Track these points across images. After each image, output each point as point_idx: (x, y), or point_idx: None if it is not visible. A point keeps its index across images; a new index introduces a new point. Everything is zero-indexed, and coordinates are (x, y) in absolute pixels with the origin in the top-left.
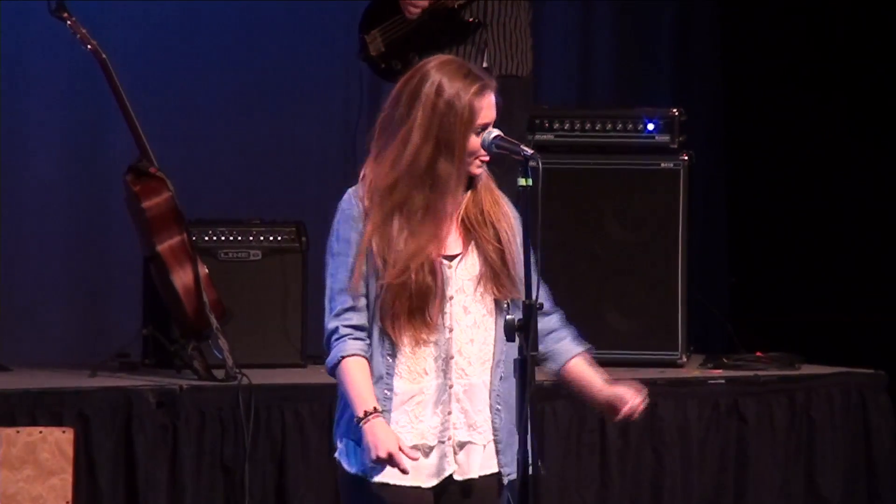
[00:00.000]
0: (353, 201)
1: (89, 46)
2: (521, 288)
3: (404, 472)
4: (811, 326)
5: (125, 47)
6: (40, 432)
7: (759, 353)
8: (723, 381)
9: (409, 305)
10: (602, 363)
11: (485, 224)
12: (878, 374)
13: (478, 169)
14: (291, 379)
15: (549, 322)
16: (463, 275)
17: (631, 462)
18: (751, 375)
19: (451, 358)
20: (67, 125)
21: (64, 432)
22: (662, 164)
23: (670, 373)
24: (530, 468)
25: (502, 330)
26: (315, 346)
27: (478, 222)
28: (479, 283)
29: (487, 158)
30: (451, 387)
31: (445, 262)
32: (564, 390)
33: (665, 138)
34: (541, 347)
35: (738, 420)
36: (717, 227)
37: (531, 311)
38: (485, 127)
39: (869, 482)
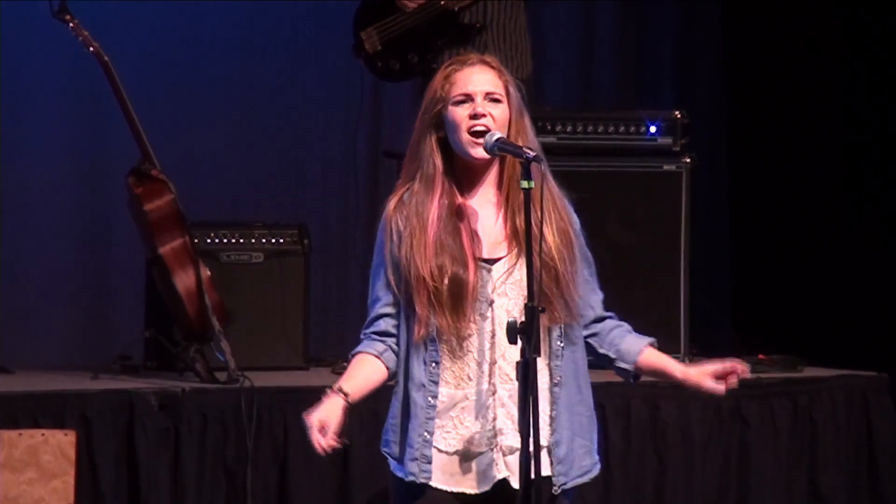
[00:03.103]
0: (388, 211)
1: (92, 49)
2: (581, 310)
3: (318, 451)
4: (813, 329)
5: (127, 50)
6: (42, 435)
7: (761, 356)
8: None
9: (444, 303)
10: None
11: (539, 235)
12: (880, 376)
13: (474, 148)
14: (293, 381)
15: (606, 325)
16: (506, 279)
17: (633, 464)
18: (753, 378)
19: (495, 363)
20: (69, 127)
21: (66, 435)
22: (665, 167)
23: None
24: (532, 471)
25: (556, 336)
26: (317, 348)
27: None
28: (526, 292)
29: (481, 128)
30: (494, 392)
31: (484, 265)
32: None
33: (667, 141)
34: (604, 350)
35: (741, 422)
36: (719, 229)
37: (532, 313)
38: (466, 97)
39: (871, 484)
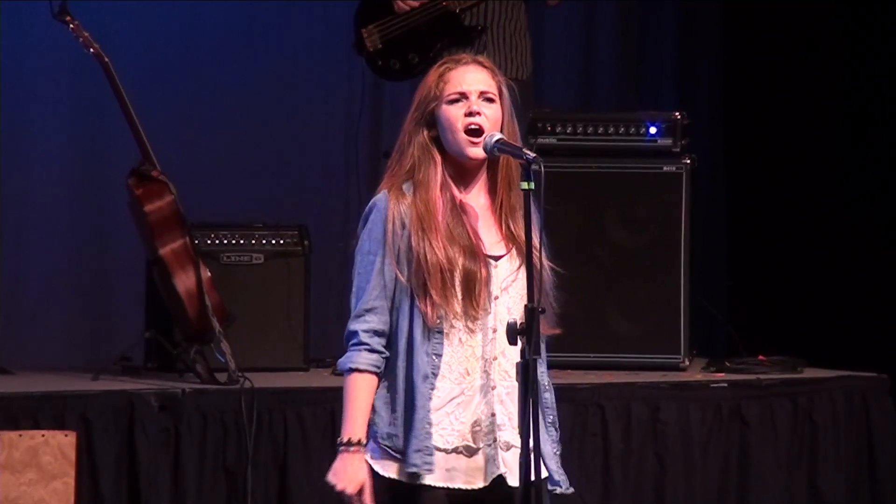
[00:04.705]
0: (387, 201)
1: (92, 50)
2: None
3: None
4: (813, 330)
5: (127, 51)
6: (43, 436)
7: (761, 357)
8: (725, 385)
9: (457, 289)
10: (605, 367)
11: (538, 238)
12: (880, 377)
13: (471, 148)
14: (294, 382)
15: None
16: (508, 277)
17: (633, 465)
18: (753, 379)
19: (495, 359)
20: (70, 129)
21: (66, 436)
22: (665, 168)
23: (673, 376)
24: (532, 473)
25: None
26: (317, 349)
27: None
28: (526, 290)
29: (476, 126)
30: (493, 388)
31: (491, 260)
32: (567, 393)
33: (667, 142)
34: None
35: (741, 423)
36: (718, 230)
37: (533, 314)
38: (461, 96)
39: (871, 486)
